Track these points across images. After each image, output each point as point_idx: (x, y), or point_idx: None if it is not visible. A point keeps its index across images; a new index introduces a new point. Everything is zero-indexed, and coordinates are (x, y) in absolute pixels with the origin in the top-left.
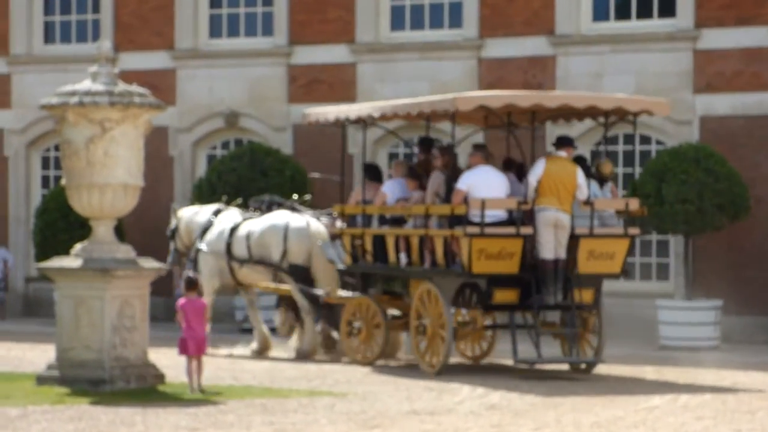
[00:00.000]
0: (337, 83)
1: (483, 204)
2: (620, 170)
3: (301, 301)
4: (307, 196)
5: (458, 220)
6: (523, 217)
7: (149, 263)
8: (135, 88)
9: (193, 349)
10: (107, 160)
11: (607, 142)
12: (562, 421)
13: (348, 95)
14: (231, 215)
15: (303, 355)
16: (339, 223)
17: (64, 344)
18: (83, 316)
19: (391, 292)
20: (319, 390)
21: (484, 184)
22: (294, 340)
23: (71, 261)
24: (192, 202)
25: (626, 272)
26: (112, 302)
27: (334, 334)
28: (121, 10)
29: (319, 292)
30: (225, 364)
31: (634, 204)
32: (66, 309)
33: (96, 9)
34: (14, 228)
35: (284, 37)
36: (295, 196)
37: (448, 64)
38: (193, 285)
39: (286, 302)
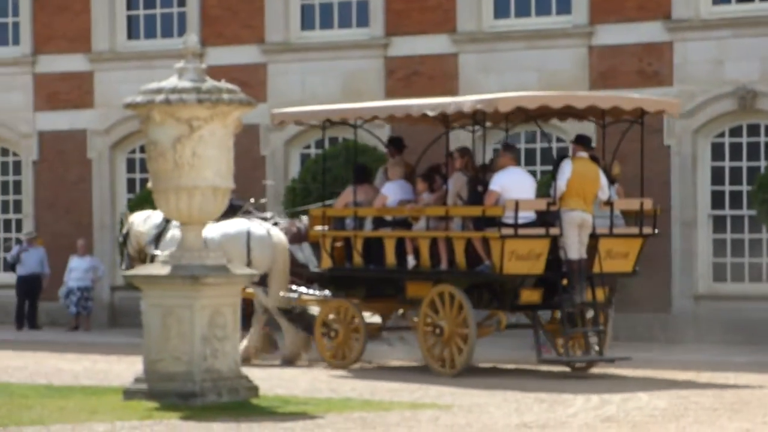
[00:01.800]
0: (438, 75)
1: (516, 205)
2: (744, 164)
3: (260, 306)
4: (263, 200)
5: (488, 222)
6: (548, 218)
7: (240, 270)
8: (224, 84)
9: None
10: (195, 161)
11: (730, 134)
12: None
13: (449, 88)
14: None
15: (288, 360)
16: (318, 227)
17: (152, 356)
18: (172, 327)
19: (377, 295)
20: (422, 402)
21: (516, 186)
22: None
23: (159, 268)
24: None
25: (636, 272)
26: (202, 311)
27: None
28: (208, 3)
29: (292, 295)
30: (323, 375)
31: (648, 204)
32: (154, 319)
33: (182, 2)
34: (99, 234)
35: (381, 27)
36: (252, 200)
37: (556, 53)
38: None
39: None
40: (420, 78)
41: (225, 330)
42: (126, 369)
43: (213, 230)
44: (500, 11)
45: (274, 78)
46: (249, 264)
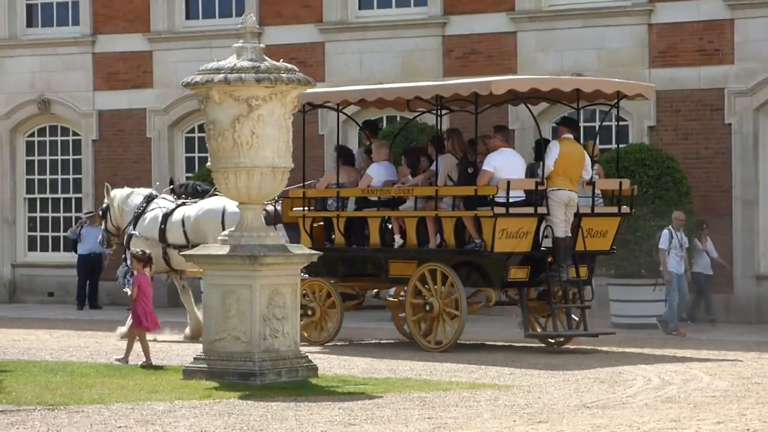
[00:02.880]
0: (496, 54)
1: (508, 185)
2: None
3: None
4: None
5: (480, 201)
6: (533, 197)
7: (300, 249)
8: (282, 63)
9: (153, 325)
10: (254, 140)
11: None
12: (746, 415)
13: (507, 67)
14: (164, 201)
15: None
16: (297, 208)
17: (211, 335)
18: (231, 306)
19: (356, 275)
20: (481, 382)
21: (508, 166)
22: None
23: (218, 248)
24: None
25: (614, 250)
26: (262, 291)
27: None
28: None
29: None
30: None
31: (626, 184)
32: (213, 298)
33: None
34: None
35: (438, 6)
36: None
37: (615, 30)
38: (148, 262)
39: None
40: (478, 57)
41: (284, 310)
42: (185, 348)
43: (191, 208)
44: None
45: (331, 57)
46: None
